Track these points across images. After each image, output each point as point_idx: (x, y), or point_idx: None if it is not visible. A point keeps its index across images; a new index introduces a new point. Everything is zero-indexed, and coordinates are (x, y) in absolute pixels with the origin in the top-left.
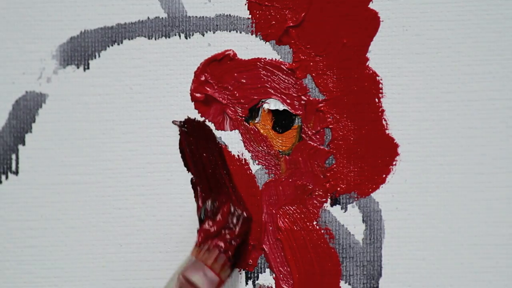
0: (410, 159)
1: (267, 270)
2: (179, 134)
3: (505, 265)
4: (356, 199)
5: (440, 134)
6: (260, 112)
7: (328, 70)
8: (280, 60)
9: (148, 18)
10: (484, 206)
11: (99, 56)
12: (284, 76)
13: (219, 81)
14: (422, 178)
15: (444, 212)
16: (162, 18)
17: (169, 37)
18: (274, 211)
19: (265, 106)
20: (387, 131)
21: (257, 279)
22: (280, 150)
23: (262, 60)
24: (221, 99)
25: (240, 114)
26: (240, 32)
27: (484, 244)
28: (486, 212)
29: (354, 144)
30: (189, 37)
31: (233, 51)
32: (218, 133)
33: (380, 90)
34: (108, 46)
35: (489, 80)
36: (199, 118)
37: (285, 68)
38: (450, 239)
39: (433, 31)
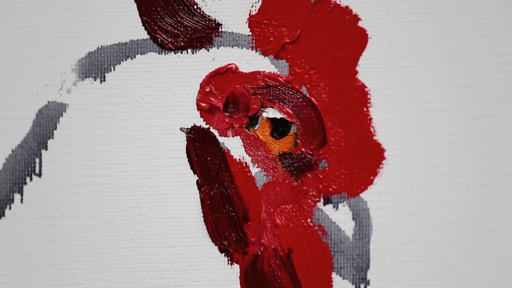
0: (395, 162)
1: None
2: (186, 140)
3: (480, 258)
4: (346, 198)
5: (422, 140)
6: (259, 120)
7: (321, 82)
8: (278, 73)
9: None
10: (461, 205)
11: (114, 69)
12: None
13: (222, 92)
14: (406, 180)
15: (426, 211)
16: None
17: (177, 52)
18: (272, 210)
19: (264, 114)
20: (374, 137)
21: None
22: (277, 155)
23: (261, 73)
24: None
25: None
26: (242, 48)
27: (461, 239)
28: (463, 210)
29: (345, 149)
30: (195, 52)
31: (235, 65)
32: (221, 139)
33: (368, 100)
34: (122, 61)
35: (467, 91)
36: (204, 125)
37: (282, 80)
38: (431, 235)
39: (416, 46)
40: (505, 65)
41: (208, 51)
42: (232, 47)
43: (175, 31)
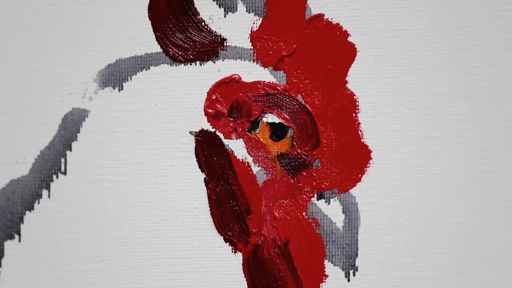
0: (380, 162)
1: None
2: (195, 142)
3: (455, 247)
4: (337, 194)
5: (405, 142)
6: (260, 124)
7: (315, 91)
8: (276, 82)
9: None
10: (439, 200)
11: (130, 79)
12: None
13: (227, 99)
14: (390, 178)
15: (408, 205)
16: None
17: (186, 64)
18: (271, 204)
19: (264, 119)
20: (362, 140)
21: None
22: (276, 155)
23: (262, 83)
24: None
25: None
26: (244, 60)
27: (439, 230)
28: (441, 204)
29: (336, 150)
30: (203, 64)
31: (238, 75)
32: (226, 141)
33: (357, 107)
34: (138, 72)
35: (443, 99)
36: (211, 129)
37: (280, 89)
38: (412, 226)
39: (399, 59)
40: (475, 76)
41: (214, 63)
42: (235, 59)
43: (185, 45)
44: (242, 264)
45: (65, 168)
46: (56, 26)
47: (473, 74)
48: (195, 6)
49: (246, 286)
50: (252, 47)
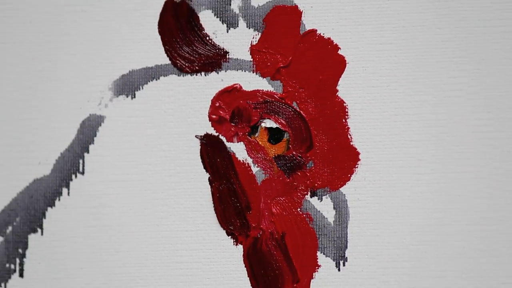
0: (367, 163)
1: None
2: (200, 145)
3: (435, 239)
4: (329, 192)
5: (389, 145)
6: (258, 129)
7: (309, 99)
8: (274, 91)
9: None
10: (421, 197)
11: (142, 88)
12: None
13: (229, 106)
14: (376, 177)
15: (392, 201)
16: None
17: (192, 75)
18: (269, 201)
19: (263, 124)
20: (351, 143)
21: None
22: (273, 157)
23: (261, 91)
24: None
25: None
26: (245, 71)
27: (421, 225)
28: (422, 201)
29: (328, 152)
30: (207, 75)
31: (239, 84)
32: (228, 144)
33: (346, 113)
34: (149, 81)
35: (425, 106)
36: (214, 133)
37: (277, 97)
38: (396, 221)
39: (384, 70)
40: (453, 85)
41: (218, 73)
42: (237, 70)
43: (191, 57)
44: (243, 255)
45: (83, 169)
46: (76, 40)
47: (451, 83)
48: (200, 22)
49: (247, 275)
50: (251, 59)
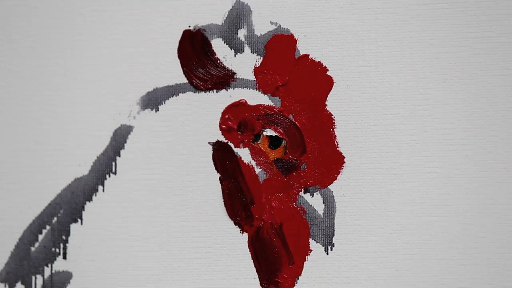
0: (351, 165)
1: None
2: (212, 150)
3: (408, 227)
4: (319, 189)
5: (369, 150)
6: (261, 136)
7: (302, 112)
8: (273, 105)
9: None
10: (395, 193)
11: (164, 103)
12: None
13: (236, 118)
14: (359, 177)
15: (372, 197)
16: None
17: (206, 92)
18: (269, 197)
19: (264, 133)
20: (338, 148)
21: None
22: (273, 160)
23: (262, 105)
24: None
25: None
26: (249, 89)
27: (396, 216)
28: (396, 197)
29: (318, 156)
30: (218, 92)
31: (245, 100)
32: (235, 149)
33: (334, 124)
34: (170, 97)
35: (398, 118)
36: (224, 140)
37: (276, 110)
38: (375, 213)
39: (366, 88)
40: (421, 100)
41: (227, 91)
42: (243, 88)
43: (205, 77)
44: (248, 242)
45: (115, 169)
46: (110, 63)
47: (420, 99)
48: (213, 48)
49: (251, 258)
50: (255, 79)
